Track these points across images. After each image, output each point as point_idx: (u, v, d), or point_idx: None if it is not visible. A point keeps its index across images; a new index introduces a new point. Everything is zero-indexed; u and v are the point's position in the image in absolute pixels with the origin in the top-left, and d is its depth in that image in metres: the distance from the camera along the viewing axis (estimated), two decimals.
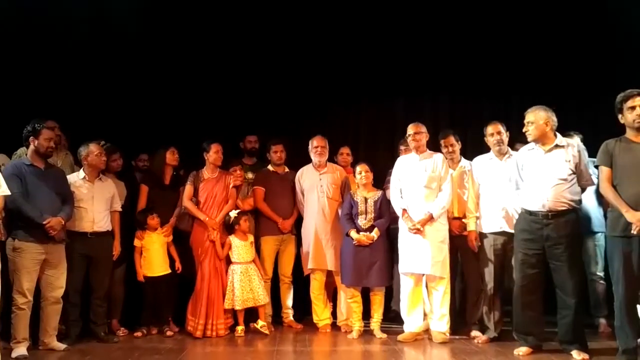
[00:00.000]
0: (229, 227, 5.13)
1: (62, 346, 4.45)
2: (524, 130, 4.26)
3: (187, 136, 5.79)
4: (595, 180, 4.55)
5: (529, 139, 4.25)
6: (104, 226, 4.79)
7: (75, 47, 6.06)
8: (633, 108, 3.84)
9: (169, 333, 5.01)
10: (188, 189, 5.18)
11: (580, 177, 4.17)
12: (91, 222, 4.72)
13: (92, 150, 4.79)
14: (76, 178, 4.80)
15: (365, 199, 4.93)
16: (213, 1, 6.23)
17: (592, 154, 4.76)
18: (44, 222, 4.28)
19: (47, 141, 4.41)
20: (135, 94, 6.17)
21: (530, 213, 4.12)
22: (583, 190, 4.25)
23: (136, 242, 5.06)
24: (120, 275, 5.12)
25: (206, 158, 5.19)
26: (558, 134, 4.26)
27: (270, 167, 5.51)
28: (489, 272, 4.62)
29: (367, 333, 4.91)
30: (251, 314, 5.19)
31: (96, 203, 4.76)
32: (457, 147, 5.04)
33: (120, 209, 5.00)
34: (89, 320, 4.79)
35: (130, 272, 5.13)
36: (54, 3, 5.93)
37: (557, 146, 4.18)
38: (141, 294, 5.08)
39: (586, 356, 4.02)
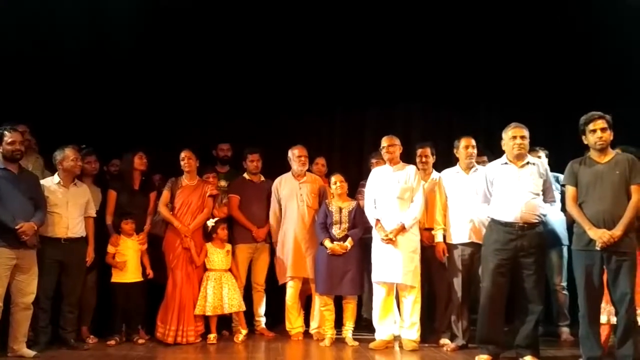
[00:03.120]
0: (207, 235, 5.14)
1: (31, 353, 4.36)
2: (516, 143, 4.27)
3: (160, 142, 5.79)
4: (559, 197, 4.77)
5: (518, 152, 4.30)
6: (78, 232, 4.75)
7: (49, 50, 5.97)
8: (594, 131, 4.03)
9: (140, 341, 4.95)
10: (165, 194, 5.18)
11: (546, 194, 4.38)
12: (65, 228, 4.67)
13: (67, 155, 4.74)
14: (51, 183, 4.73)
15: (340, 209, 5.01)
16: (189, 9, 6.21)
17: (556, 169, 4.97)
18: (16, 227, 4.22)
19: (10, 145, 4.35)
20: (109, 99, 6.12)
21: (506, 224, 4.26)
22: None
23: (110, 249, 4.98)
24: (92, 281, 5.05)
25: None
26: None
27: (245, 176, 5.51)
28: (457, 282, 4.75)
29: (339, 341, 4.98)
30: (224, 322, 5.21)
31: (71, 208, 4.72)
32: (431, 159, 5.18)
33: (94, 215, 4.96)
34: (58, 327, 4.72)
35: (101, 278, 5.07)
36: (33, 8, 5.85)
37: (528, 163, 4.36)
38: (111, 301, 5.00)
39: None
